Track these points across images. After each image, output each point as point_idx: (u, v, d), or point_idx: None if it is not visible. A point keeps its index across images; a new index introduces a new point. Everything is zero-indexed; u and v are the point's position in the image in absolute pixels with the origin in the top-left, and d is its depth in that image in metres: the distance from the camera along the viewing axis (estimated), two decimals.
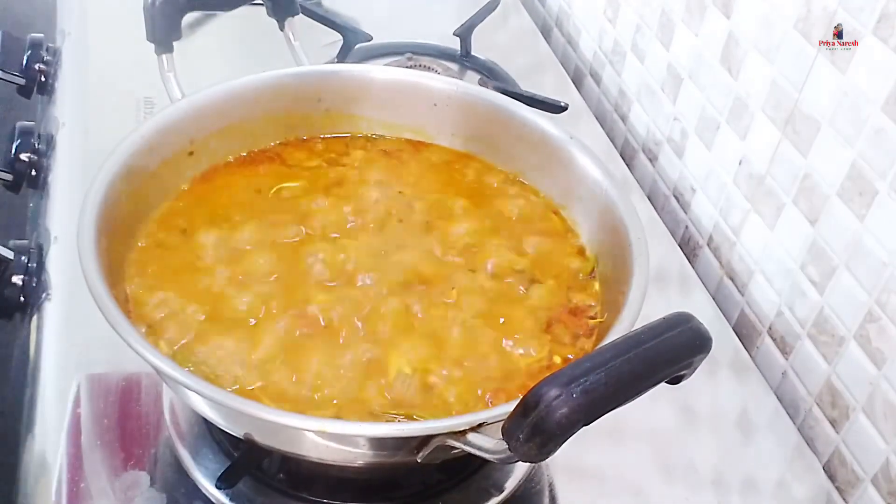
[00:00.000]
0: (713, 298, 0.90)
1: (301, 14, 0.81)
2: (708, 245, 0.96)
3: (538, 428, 0.43)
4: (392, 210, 0.72)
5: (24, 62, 1.03)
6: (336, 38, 1.10)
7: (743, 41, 0.87)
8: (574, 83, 1.16)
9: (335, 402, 0.58)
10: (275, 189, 0.73)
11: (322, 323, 0.62)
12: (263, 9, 0.80)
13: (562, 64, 1.19)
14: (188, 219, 0.69)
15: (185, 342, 0.60)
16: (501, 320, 0.64)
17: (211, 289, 0.64)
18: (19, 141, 0.92)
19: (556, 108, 1.00)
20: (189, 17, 0.74)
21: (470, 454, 0.51)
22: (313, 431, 0.52)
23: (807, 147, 0.79)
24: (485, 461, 0.52)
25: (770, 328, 0.86)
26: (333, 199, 0.72)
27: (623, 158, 1.07)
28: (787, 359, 0.83)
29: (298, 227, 0.70)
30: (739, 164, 0.89)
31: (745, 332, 0.89)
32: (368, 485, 0.67)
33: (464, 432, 0.51)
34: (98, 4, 1.14)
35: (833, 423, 0.77)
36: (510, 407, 0.45)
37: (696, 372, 0.49)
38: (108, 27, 1.10)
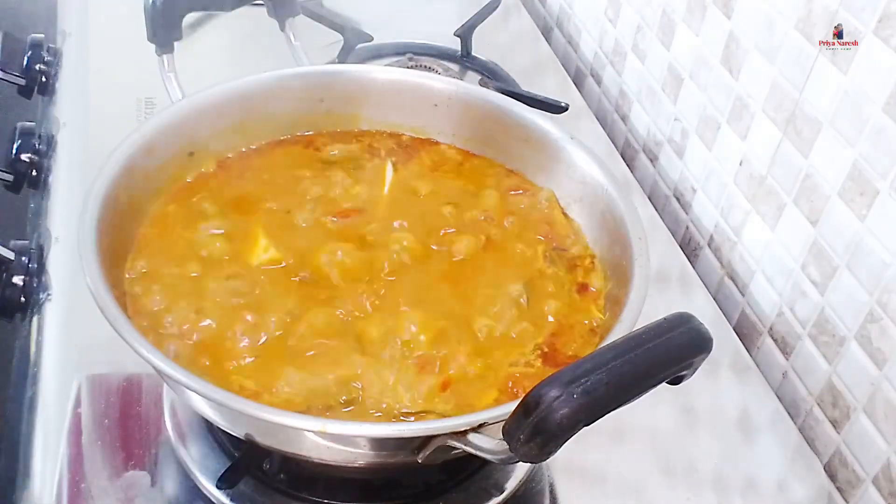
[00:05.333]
0: (714, 299, 0.90)
1: (302, 14, 0.81)
2: (709, 245, 0.96)
3: (539, 428, 0.43)
4: (395, 208, 0.72)
5: (25, 63, 1.03)
6: (337, 39, 1.10)
7: (744, 41, 0.87)
8: (575, 83, 1.16)
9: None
10: (280, 186, 0.73)
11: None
12: (264, 9, 0.80)
13: (562, 64, 1.19)
14: (189, 218, 0.69)
15: (187, 341, 0.60)
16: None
17: (212, 287, 0.64)
18: (20, 141, 0.92)
19: (556, 108, 1.00)
20: (189, 18, 0.74)
21: (471, 454, 0.51)
22: (313, 432, 0.52)
23: (808, 147, 0.79)
24: (485, 461, 0.52)
25: (771, 328, 0.86)
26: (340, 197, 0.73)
27: (624, 159, 1.07)
28: (787, 359, 0.83)
29: (304, 225, 0.70)
30: (740, 164, 0.89)
31: (745, 332, 0.89)
32: (369, 485, 0.67)
33: (464, 432, 0.51)
34: (98, 5, 1.14)
35: (834, 423, 0.77)
36: (511, 407, 0.45)
37: (696, 372, 0.49)
38: (109, 28, 1.10)
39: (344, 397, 0.58)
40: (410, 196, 0.74)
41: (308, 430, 0.53)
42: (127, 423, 0.69)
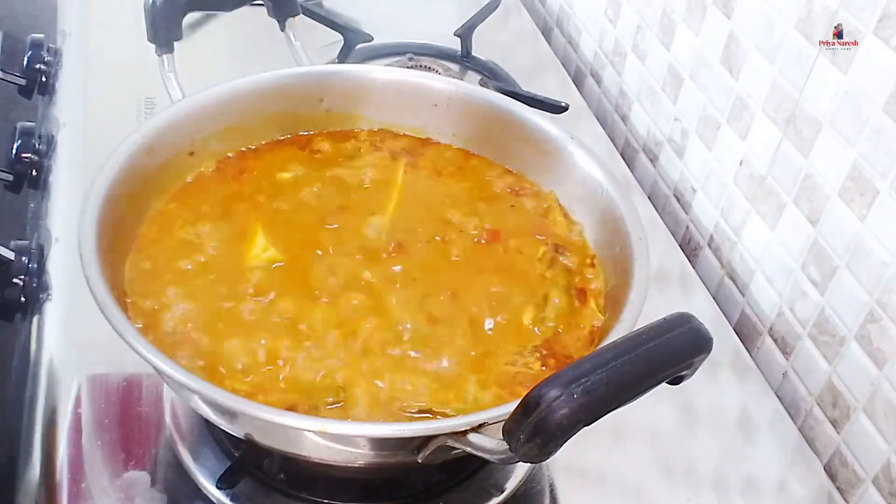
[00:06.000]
0: (714, 299, 0.90)
1: (302, 14, 0.81)
2: (709, 245, 0.96)
3: (539, 428, 0.43)
4: (395, 208, 0.72)
5: (25, 62, 1.03)
6: (337, 39, 1.10)
7: (744, 41, 0.87)
8: (575, 83, 1.16)
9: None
10: (279, 186, 0.73)
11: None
12: (264, 9, 0.80)
13: (562, 64, 1.19)
14: (189, 217, 0.69)
15: (186, 341, 0.60)
16: None
17: (211, 287, 0.64)
18: (20, 141, 0.92)
19: (556, 108, 1.00)
20: (189, 18, 0.74)
21: (471, 454, 0.51)
22: (313, 432, 0.52)
23: (808, 147, 0.79)
24: (485, 461, 0.52)
25: (771, 328, 0.86)
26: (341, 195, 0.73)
27: (624, 159, 1.07)
28: (787, 359, 0.83)
29: (303, 224, 0.70)
30: (740, 164, 0.89)
31: (745, 332, 0.89)
32: (369, 485, 0.67)
33: (464, 432, 0.51)
34: (99, 5, 1.14)
35: (834, 423, 0.77)
36: (511, 407, 0.45)
37: (696, 372, 0.49)
38: (109, 28, 1.10)
39: (331, 398, 0.58)
40: (410, 196, 0.74)
41: (308, 430, 0.53)
42: (127, 423, 0.69)
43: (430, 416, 0.58)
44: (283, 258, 0.67)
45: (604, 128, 1.09)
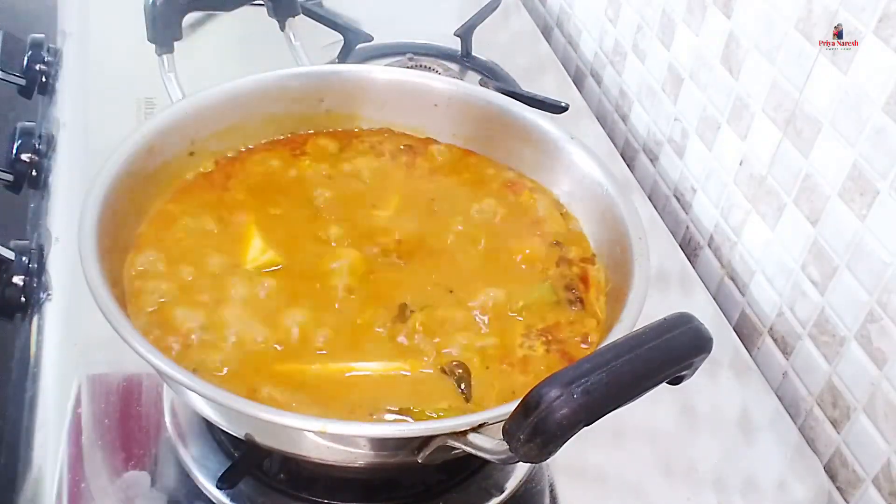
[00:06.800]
0: (714, 299, 0.90)
1: (302, 14, 0.81)
2: (709, 245, 0.96)
3: (539, 428, 0.43)
4: (396, 208, 0.73)
5: (25, 63, 1.03)
6: (337, 39, 1.10)
7: (744, 41, 0.87)
8: (575, 83, 1.16)
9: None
10: (280, 186, 0.73)
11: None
12: (264, 9, 0.80)
13: (562, 64, 1.19)
14: (188, 217, 0.69)
15: (186, 341, 0.60)
16: None
17: (211, 287, 0.64)
18: (20, 141, 0.92)
19: (556, 108, 1.00)
20: (189, 17, 0.74)
21: (471, 454, 0.51)
22: (314, 432, 0.52)
23: (808, 147, 0.79)
24: (485, 461, 0.52)
25: (771, 328, 0.86)
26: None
27: (624, 159, 1.07)
28: (787, 359, 0.83)
29: (302, 225, 0.70)
30: (740, 164, 0.89)
31: (745, 332, 0.89)
32: (369, 485, 0.67)
33: (465, 433, 0.51)
34: (99, 5, 1.14)
35: (834, 423, 0.77)
36: (511, 407, 0.45)
37: (696, 372, 0.49)
38: (109, 28, 1.10)
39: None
40: (410, 196, 0.74)
41: (308, 430, 0.53)
42: (127, 423, 0.69)
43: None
44: (282, 258, 0.67)
45: (604, 128, 1.09)
